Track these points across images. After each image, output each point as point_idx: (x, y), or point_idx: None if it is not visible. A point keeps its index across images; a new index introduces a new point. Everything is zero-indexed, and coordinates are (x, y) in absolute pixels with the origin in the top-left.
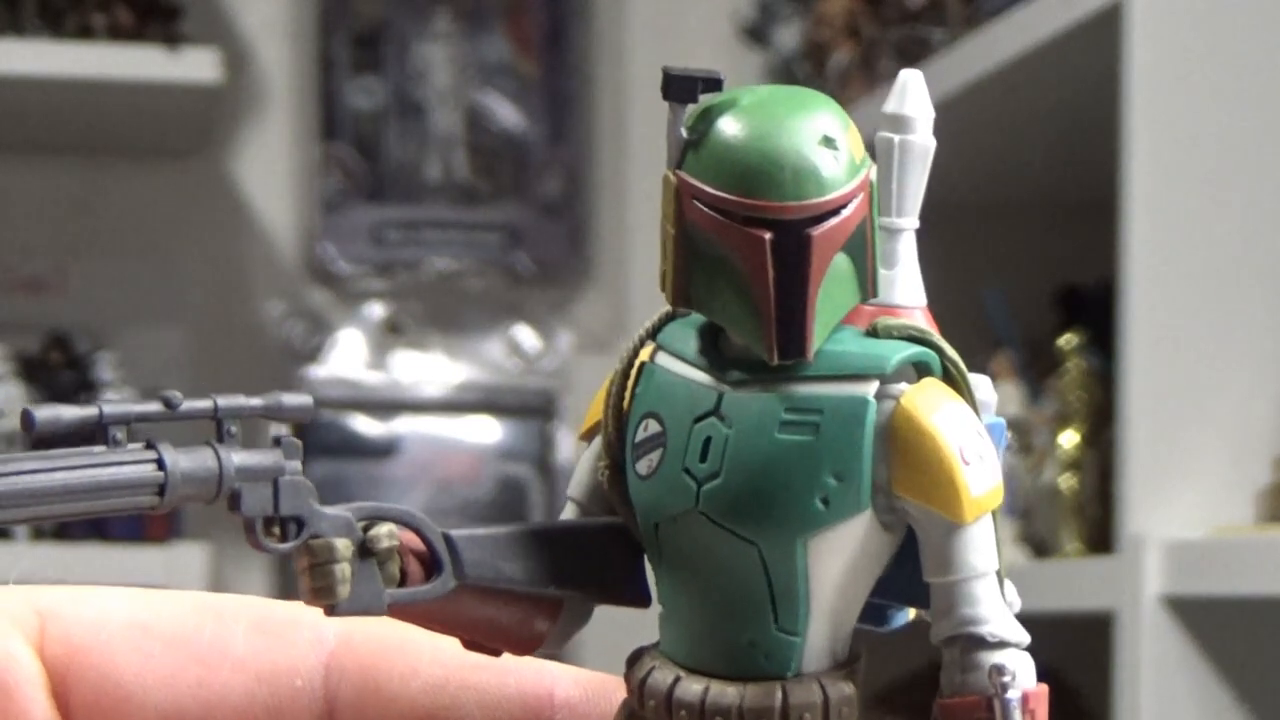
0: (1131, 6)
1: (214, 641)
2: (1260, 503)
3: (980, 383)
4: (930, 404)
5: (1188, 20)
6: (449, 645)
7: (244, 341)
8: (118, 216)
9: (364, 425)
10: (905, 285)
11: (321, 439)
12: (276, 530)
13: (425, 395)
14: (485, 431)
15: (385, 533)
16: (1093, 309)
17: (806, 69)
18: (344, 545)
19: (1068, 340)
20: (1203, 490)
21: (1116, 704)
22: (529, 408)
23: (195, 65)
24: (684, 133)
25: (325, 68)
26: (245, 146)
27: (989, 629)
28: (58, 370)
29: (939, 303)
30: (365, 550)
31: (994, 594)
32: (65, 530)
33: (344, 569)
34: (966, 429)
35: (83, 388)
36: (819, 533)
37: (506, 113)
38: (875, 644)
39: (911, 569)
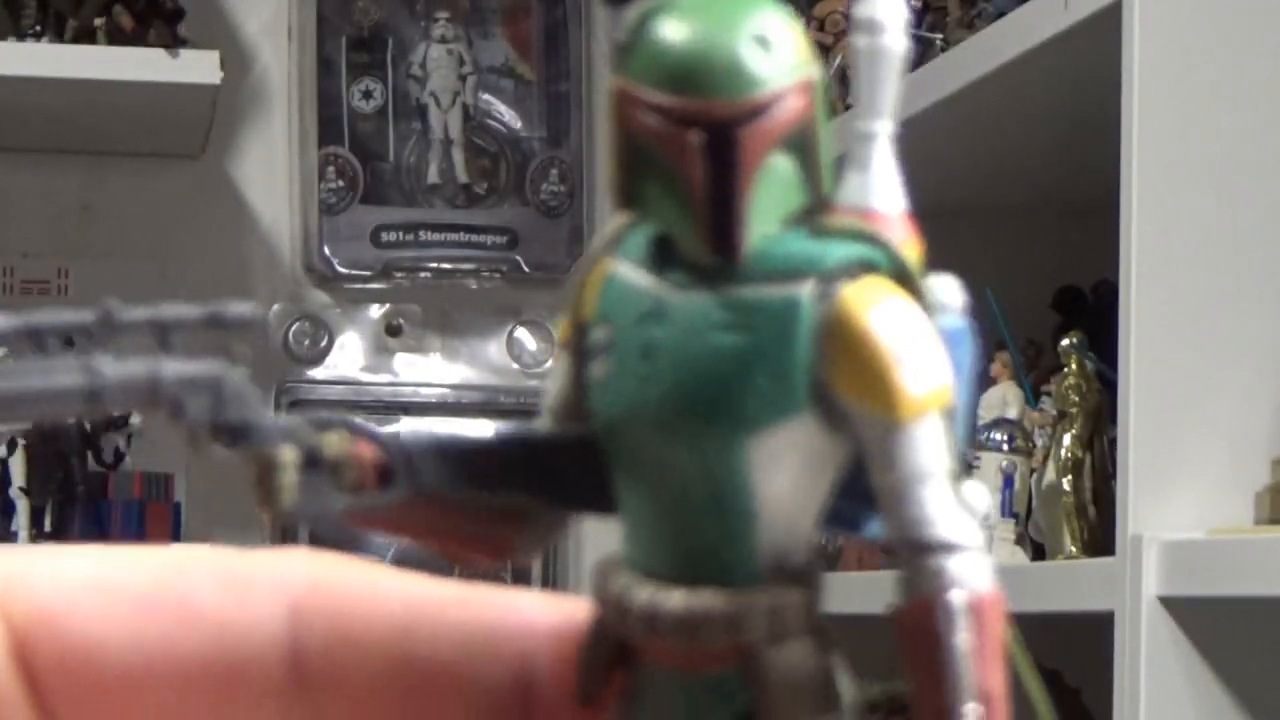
0: (1131, 6)
1: (178, 597)
2: (1259, 504)
3: (943, 284)
4: (867, 300)
5: (1188, 20)
6: (420, 585)
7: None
8: (118, 218)
9: None
10: (880, 189)
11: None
12: (224, 438)
13: (425, 397)
14: (485, 433)
15: (336, 440)
16: (1092, 310)
17: None
18: (289, 451)
19: (1067, 341)
20: (1202, 491)
21: (1115, 704)
22: (529, 409)
23: (195, 67)
24: (622, 35)
25: (325, 70)
26: (245, 148)
27: (934, 531)
28: None
29: None
30: (316, 459)
31: (942, 495)
32: (65, 531)
33: (289, 474)
34: (905, 325)
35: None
36: (758, 434)
37: (506, 114)
38: (874, 642)
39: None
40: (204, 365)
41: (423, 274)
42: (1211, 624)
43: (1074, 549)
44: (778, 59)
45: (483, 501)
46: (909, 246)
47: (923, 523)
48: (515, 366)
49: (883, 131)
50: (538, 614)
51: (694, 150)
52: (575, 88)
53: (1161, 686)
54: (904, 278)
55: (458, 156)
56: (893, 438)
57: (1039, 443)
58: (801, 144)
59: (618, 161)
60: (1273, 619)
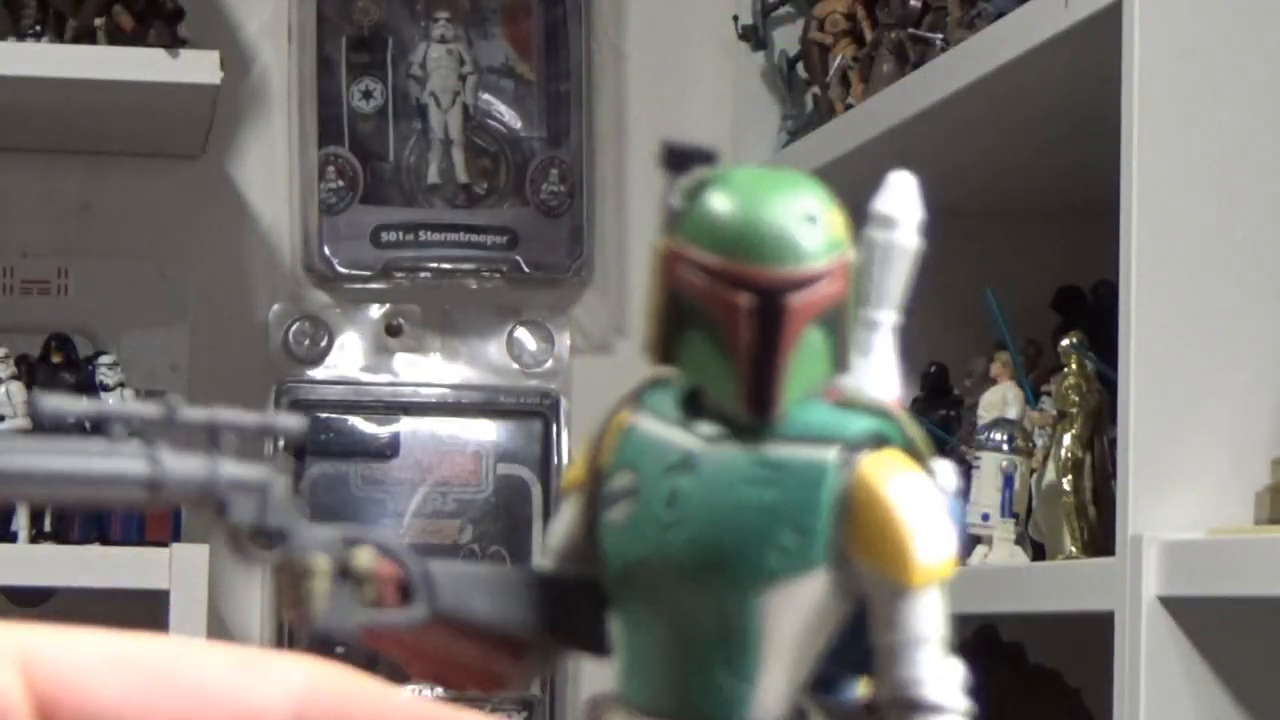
0: (1131, 6)
1: (192, 674)
2: (1259, 504)
3: (941, 468)
4: (888, 471)
5: (1188, 21)
6: (413, 699)
7: (244, 343)
8: (118, 218)
9: (364, 427)
10: (878, 376)
11: (321, 441)
12: (262, 540)
13: (425, 397)
14: (485, 433)
15: (366, 556)
16: (1092, 310)
17: (806, 71)
18: (324, 562)
19: (1067, 341)
20: (1201, 491)
21: (1115, 704)
22: (528, 409)
23: (195, 67)
24: (676, 202)
25: (325, 70)
26: (245, 148)
27: (927, 692)
28: (58, 372)
29: (939, 304)
30: (345, 571)
31: (935, 659)
32: (66, 532)
33: (322, 584)
34: (922, 498)
35: (83, 389)
36: (774, 585)
37: (506, 114)
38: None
39: (864, 639)
40: (254, 470)
41: (423, 274)
42: (1211, 624)
43: (1074, 549)
44: (823, 236)
45: (490, 630)
46: (913, 424)
47: (916, 683)
48: (515, 366)
49: (887, 322)
50: None
51: (744, 311)
52: (575, 88)
53: (1161, 686)
54: (913, 453)
55: (458, 156)
56: (900, 602)
57: (1039, 443)
58: (834, 320)
59: (660, 318)
60: (1273, 619)
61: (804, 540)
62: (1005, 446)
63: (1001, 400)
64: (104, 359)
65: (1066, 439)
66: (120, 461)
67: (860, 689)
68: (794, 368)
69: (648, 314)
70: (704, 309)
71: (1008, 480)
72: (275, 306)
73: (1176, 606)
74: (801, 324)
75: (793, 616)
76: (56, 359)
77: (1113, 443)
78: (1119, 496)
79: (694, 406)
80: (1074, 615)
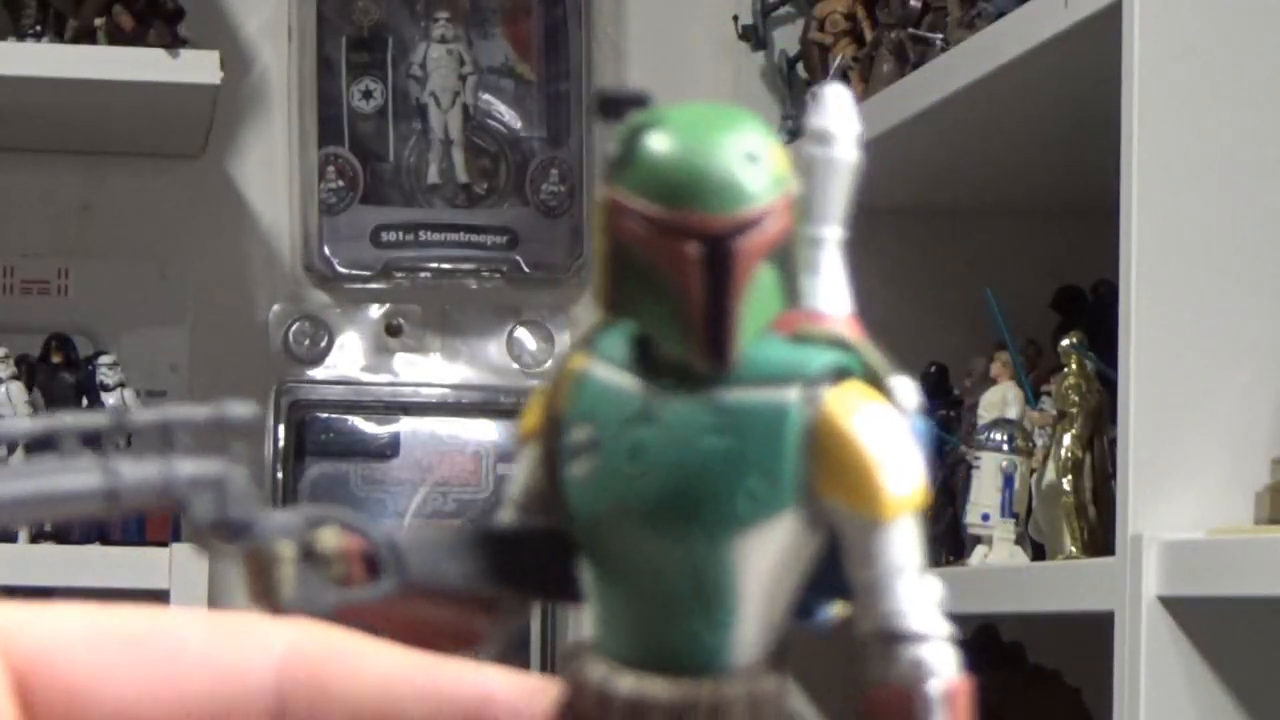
0: (1131, 6)
1: (171, 642)
2: (1259, 504)
3: (902, 386)
4: (850, 406)
5: (1188, 20)
6: (399, 656)
7: (244, 343)
8: (118, 218)
9: (364, 427)
10: (829, 293)
11: (321, 441)
12: (225, 534)
13: (425, 397)
14: (485, 433)
15: (329, 535)
16: (1092, 310)
17: (806, 71)
18: (288, 547)
19: (1067, 341)
20: (1202, 491)
21: (1115, 704)
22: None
23: (195, 67)
24: (613, 150)
25: (325, 70)
26: (245, 149)
27: (908, 622)
28: (59, 372)
29: (939, 304)
30: (310, 553)
31: (914, 589)
32: (66, 532)
33: (287, 570)
34: (887, 430)
35: (83, 389)
36: (745, 532)
37: (506, 114)
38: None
39: (838, 564)
40: (210, 465)
41: (423, 274)
42: (1211, 624)
43: (1074, 549)
44: (766, 174)
45: (460, 592)
46: (871, 350)
47: (898, 614)
48: (515, 366)
49: (832, 237)
50: (504, 687)
51: (691, 262)
52: (575, 88)
53: (1161, 686)
54: (875, 381)
55: (458, 156)
56: (873, 536)
57: (1039, 443)
58: (782, 255)
59: (607, 270)
60: (1273, 619)
61: (772, 485)
62: (1005, 446)
63: (1001, 400)
64: (104, 359)
65: (1066, 439)
66: (74, 477)
67: (835, 611)
68: (746, 311)
69: (595, 265)
70: (650, 260)
71: (1008, 480)
72: (275, 306)
73: (1176, 606)
74: (751, 267)
75: (765, 560)
76: (56, 359)
77: (1113, 443)
78: (1119, 496)
79: (647, 353)
80: (1074, 615)
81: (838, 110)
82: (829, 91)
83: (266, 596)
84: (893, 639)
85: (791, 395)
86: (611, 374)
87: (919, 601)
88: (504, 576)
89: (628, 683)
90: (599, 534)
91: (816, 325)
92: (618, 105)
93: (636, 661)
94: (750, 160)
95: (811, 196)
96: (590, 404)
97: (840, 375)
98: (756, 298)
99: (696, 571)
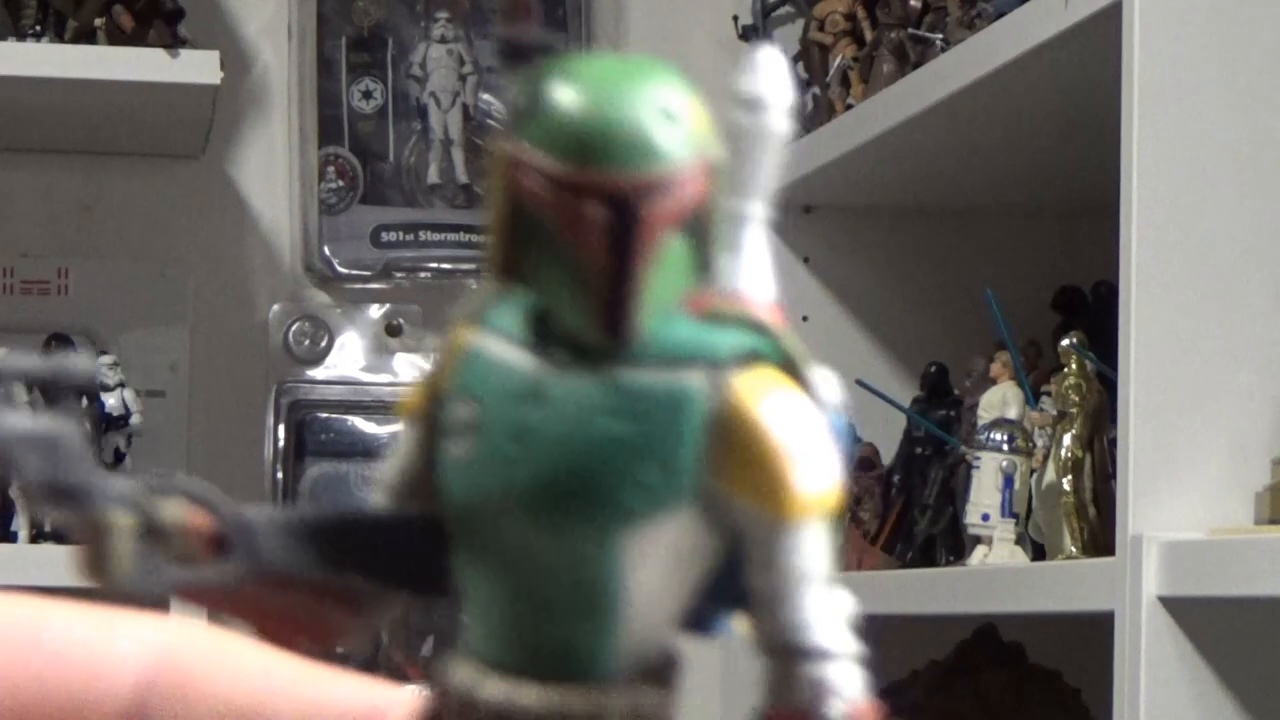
0: (1131, 6)
1: (27, 634)
2: (1259, 504)
3: (824, 378)
4: (760, 393)
5: (1188, 20)
6: (273, 658)
7: (244, 343)
8: (118, 218)
9: (364, 427)
10: (751, 276)
11: (321, 441)
12: (57, 499)
13: None
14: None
15: (173, 507)
16: (1092, 310)
17: (806, 71)
18: (125, 518)
19: (1067, 341)
20: (1202, 491)
21: (1115, 704)
22: None
23: (195, 67)
24: (516, 99)
25: (325, 70)
26: (245, 149)
27: (813, 637)
28: None
29: (939, 304)
30: (151, 527)
31: (820, 600)
32: (66, 533)
33: (124, 543)
34: (800, 421)
35: (83, 390)
36: (636, 527)
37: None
38: (874, 642)
39: (739, 570)
40: (43, 423)
41: (423, 274)
42: (1211, 624)
43: (1074, 549)
44: (682, 133)
45: (317, 582)
46: (789, 335)
47: (801, 627)
48: None
49: (757, 215)
50: (398, 703)
51: (593, 224)
52: None
53: (1161, 686)
54: (792, 370)
55: (458, 156)
56: (778, 538)
57: (1039, 443)
58: (698, 226)
59: (500, 230)
60: (1273, 619)
61: (668, 476)
62: (1005, 446)
63: (1001, 400)
64: (104, 359)
65: (1066, 439)
66: None
67: (735, 625)
68: (652, 282)
69: (489, 227)
70: (549, 222)
71: (1008, 480)
72: (275, 306)
73: (1176, 606)
74: (660, 233)
75: (657, 560)
76: None
77: (1113, 443)
78: (1119, 496)
79: (543, 327)
80: (1074, 615)
81: (770, 75)
82: (761, 54)
83: (98, 571)
84: (794, 655)
85: (696, 379)
86: (502, 348)
87: (825, 614)
88: (368, 567)
89: (496, 689)
90: (474, 523)
91: (730, 305)
92: (524, 52)
93: (508, 666)
94: (666, 117)
95: (736, 167)
96: (475, 380)
97: (752, 360)
98: (664, 270)
99: (578, 569)
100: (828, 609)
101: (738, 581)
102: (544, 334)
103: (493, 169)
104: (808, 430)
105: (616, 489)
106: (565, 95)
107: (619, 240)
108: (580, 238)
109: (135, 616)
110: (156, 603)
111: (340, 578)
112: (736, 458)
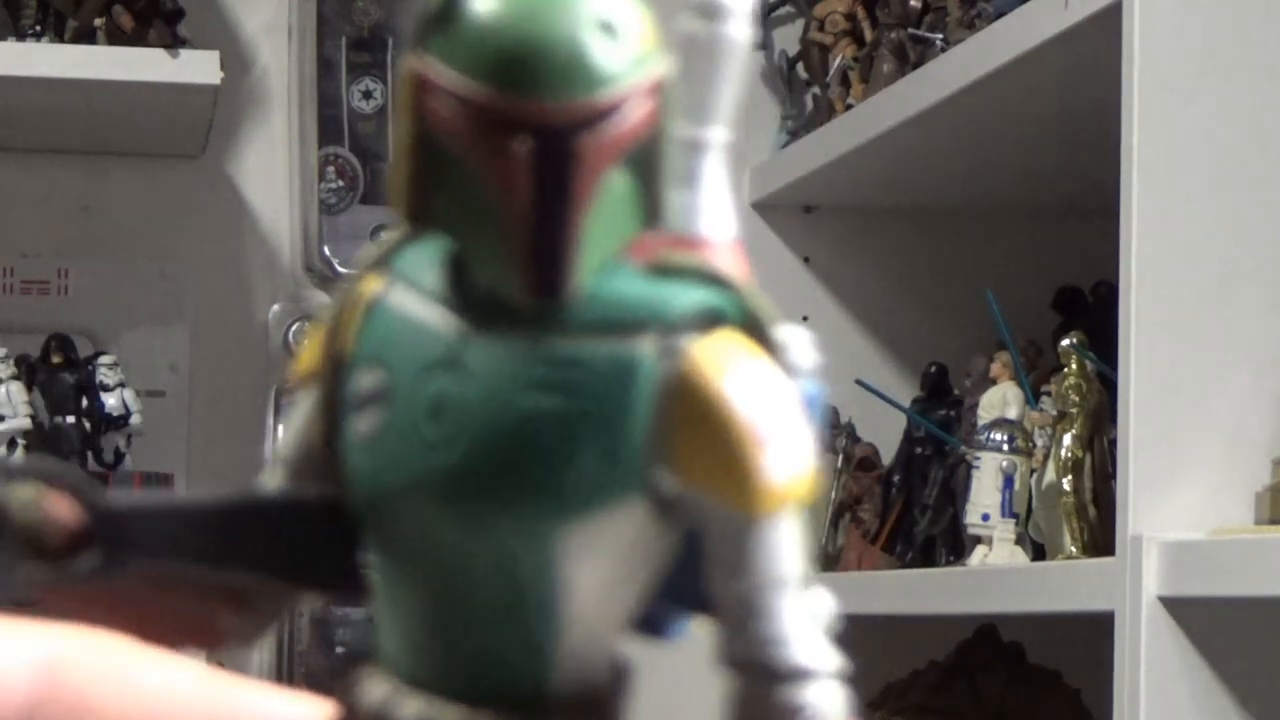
0: (1131, 6)
1: None
2: (1259, 504)
3: (795, 338)
4: (722, 363)
5: (1188, 20)
6: (175, 678)
7: (244, 343)
8: (118, 218)
9: None
10: (709, 212)
11: None
12: None
13: None
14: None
15: (26, 494)
16: (1092, 310)
17: (806, 71)
18: None
19: (1067, 341)
20: (1202, 491)
21: (1115, 704)
22: None
23: (195, 67)
24: (426, 7)
25: (325, 70)
26: (245, 149)
27: (788, 653)
28: (59, 372)
29: (940, 304)
30: (2, 517)
31: (797, 608)
32: None
33: None
34: (767, 396)
35: (83, 390)
36: (575, 522)
37: None
38: (874, 642)
39: (697, 567)
40: None
41: None
42: (1211, 624)
43: (1074, 549)
44: (625, 49)
45: (199, 578)
46: (754, 290)
47: (777, 642)
48: None
49: (716, 141)
50: (299, 717)
51: (518, 162)
52: None
53: (1161, 686)
54: (756, 331)
55: None
56: (745, 536)
57: (1039, 443)
58: (645, 159)
59: (408, 164)
60: (1273, 619)
61: (611, 462)
62: (1005, 446)
63: (1001, 400)
64: (104, 359)
65: (1066, 439)
66: None
67: (692, 628)
68: (590, 230)
69: (394, 157)
70: (465, 154)
71: (1008, 480)
72: (275, 306)
73: (1176, 606)
74: (599, 171)
75: (600, 559)
76: (56, 359)
77: (1113, 443)
78: (1119, 496)
79: (460, 279)
80: (1074, 615)
81: None
82: None
83: None
84: (768, 675)
85: (644, 346)
86: (411, 303)
87: (803, 626)
88: (260, 559)
89: (412, 709)
90: (384, 513)
91: (684, 253)
92: None
93: (428, 681)
94: (605, 30)
95: (690, 85)
96: (381, 341)
97: (711, 321)
98: (605, 213)
99: (509, 569)
100: (805, 618)
101: (695, 577)
102: (462, 288)
103: (401, 89)
104: (777, 406)
105: (550, 476)
106: (484, 2)
107: (550, 181)
108: (503, 178)
109: (12, 626)
110: (14, 605)
111: (228, 572)
112: (694, 441)
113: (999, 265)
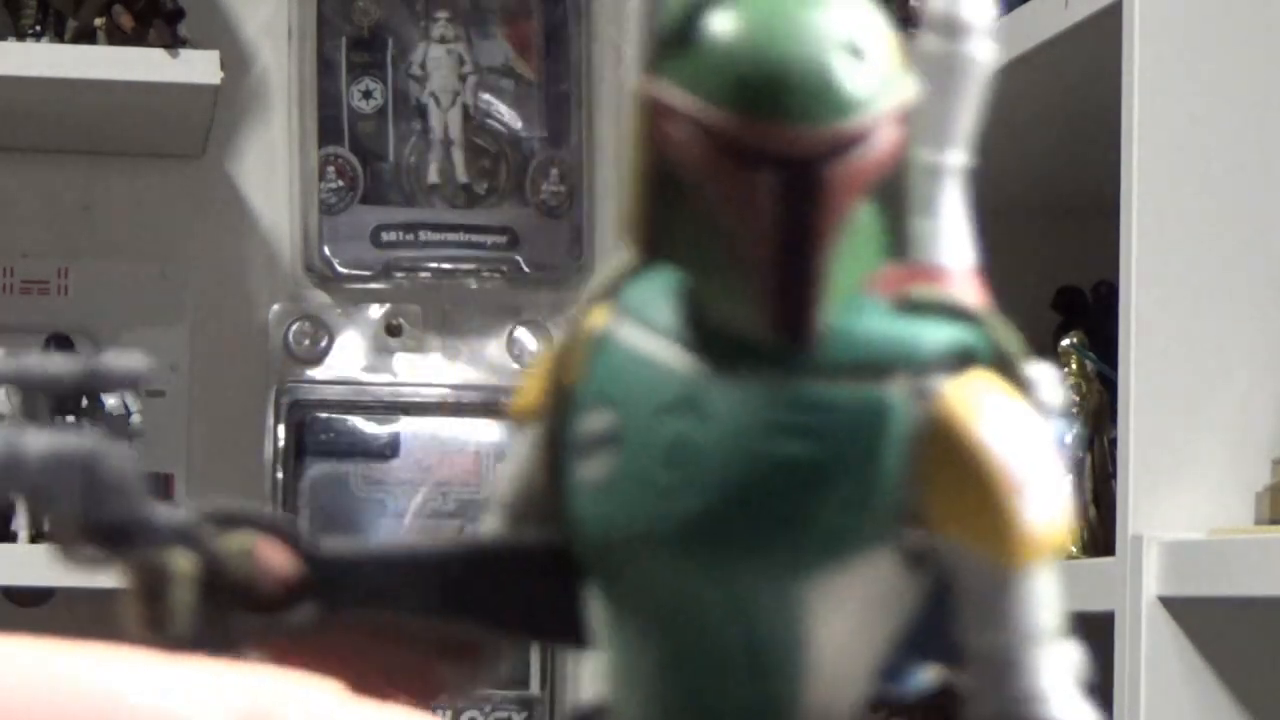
0: (1131, 6)
1: (101, 703)
2: (1259, 504)
3: (1042, 378)
4: (977, 407)
5: (1188, 21)
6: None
7: (244, 343)
8: (118, 218)
9: (364, 427)
10: (949, 240)
11: (321, 441)
12: (98, 537)
13: (425, 397)
14: (485, 433)
15: (239, 544)
16: (1092, 310)
17: None
18: (184, 560)
19: (1067, 341)
20: (1202, 491)
21: (1115, 704)
22: None
23: (195, 67)
24: (664, 26)
25: (325, 70)
26: (245, 149)
27: (1047, 711)
28: None
29: None
30: (214, 566)
31: (1056, 662)
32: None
33: (183, 594)
34: (1024, 440)
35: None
36: (822, 574)
37: (506, 114)
38: None
39: (941, 616)
40: (71, 440)
41: (423, 274)
42: (1211, 624)
43: (1074, 549)
44: (873, 72)
45: (416, 628)
46: (1001, 323)
47: (1033, 699)
48: (515, 366)
49: (955, 165)
50: None
51: (763, 193)
52: (575, 88)
53: (1161, 686)
54: (1007, 368)
55: (458, 156)
56: (1004, 587)
57: None
58: (891, 187)
59: (642, 194)
60: (1273, 619)
61: (861, 511)
62: None
63: None
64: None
65: (1066, 440)
66: None
67: (929, 676)
68: (836, 263)
69: (627, 185)
70: (704, 185)
71: None
72: (275, 306)
73: (1176, 606)
74: (847, 203)
75: (846, 611)
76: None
77: (1113, 443)
78: (1119, 496)
79: (696, 315)
80: (1074, 615)
81: None
82: None
83: (154, 626)
84: None
85: (895, 388)
86: (644, 339)
87: (1061, 682)
88: (482, 609)
89: None
90: (615, 560)
91: (928, 286)
92: None
93: None
94: (852, 52)
95: (932, 109)
96: (611, 379)
97: (962, 361)
98: (852, 248)
99: (751, 621)
100: (1062, 673)
101: (937, 627)
102: (696, 324)
103: (634, 114)
104: (1033, 450)
105: (796, 526)
106: (725, 23)
107: (795, 214)
108: (745, 209)
109: (214, 675)
110: (225, 652)
111: (448, 622)
112: (949, 489)
113: (999, 265)
